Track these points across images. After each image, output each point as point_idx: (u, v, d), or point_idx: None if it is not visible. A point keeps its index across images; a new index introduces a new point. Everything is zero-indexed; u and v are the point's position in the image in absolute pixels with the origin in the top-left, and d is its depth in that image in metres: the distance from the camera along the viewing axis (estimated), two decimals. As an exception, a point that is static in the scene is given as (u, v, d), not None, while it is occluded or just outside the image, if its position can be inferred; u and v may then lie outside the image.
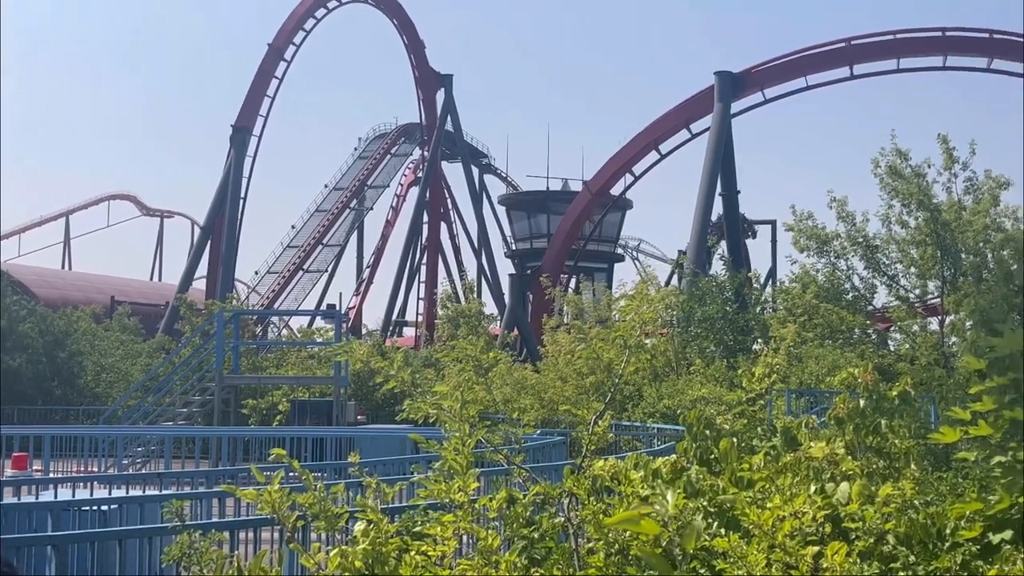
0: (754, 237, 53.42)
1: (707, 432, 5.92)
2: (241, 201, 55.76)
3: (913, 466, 5.40)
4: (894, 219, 29.83)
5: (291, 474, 5.08)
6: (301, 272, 69.30)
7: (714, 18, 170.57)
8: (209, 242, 56.24)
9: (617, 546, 4.54)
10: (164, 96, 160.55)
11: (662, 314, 30.19)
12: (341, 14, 63.33)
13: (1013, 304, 26.66)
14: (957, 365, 25.94)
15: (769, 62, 48.89)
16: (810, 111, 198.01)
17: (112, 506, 9.18)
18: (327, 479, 12.16)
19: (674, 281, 47.55)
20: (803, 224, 30.62)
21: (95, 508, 9.12)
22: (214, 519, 9.00)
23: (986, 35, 47.64)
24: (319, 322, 51.59)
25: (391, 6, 62.21)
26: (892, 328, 32.49)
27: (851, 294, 30.70)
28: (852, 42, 48.21)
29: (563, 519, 4.89)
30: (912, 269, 29.88)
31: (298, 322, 61.56)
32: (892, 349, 31.19)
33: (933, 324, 31.01)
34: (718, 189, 46.72)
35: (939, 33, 47.94)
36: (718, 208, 47.90)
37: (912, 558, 4.37)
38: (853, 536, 4.51)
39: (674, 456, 5.38)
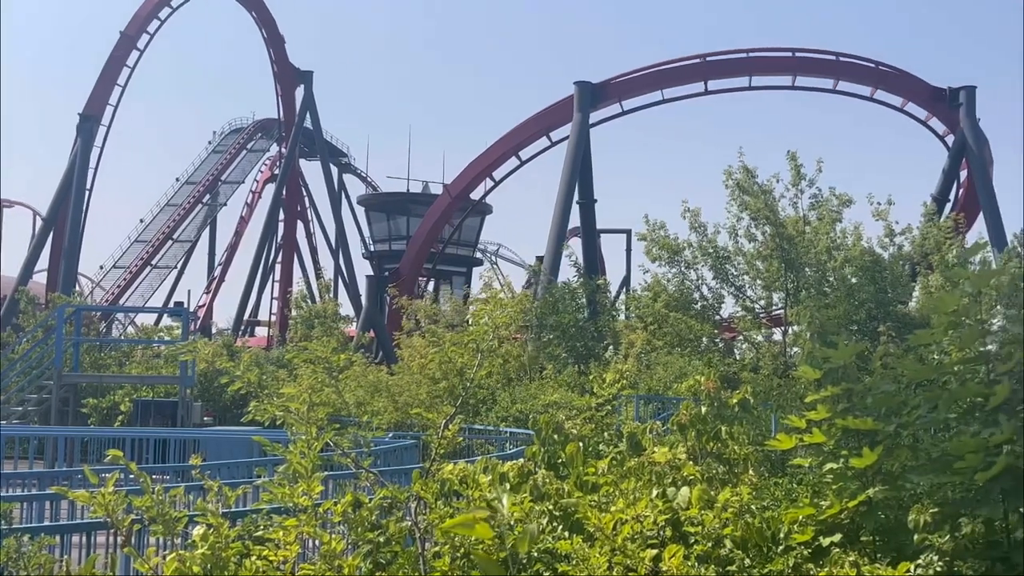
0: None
1: (556, 436, 5.99)
2: (87, 192, 53.79)
3: (751, 472, 5.57)
4: (742, 232, 30.75)
5: (131, 476, 4.92)
6: (149, 268, 67.29)
7: (576, 28, 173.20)
8: (52, 234, 54.09)
9: (463, 550, 4.55)
10: (6, 80, 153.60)
11: (516, 319, 30.41)
12: (199, 5, 61.90)
13: (854, 319, 27.83)
14: (795, 375, 26.94)
15: (627, 74, 49.87)
16: (667, 123, 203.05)
17: (-65, 509, 8.70)
18: (169, 482, 11.81)
19: (532, 289, 48.02)
20: (655, 234, 31.27)
21: (-84, 511, 8.63)
22: (47, 522, 8.64)
23: (833, 57, 49.71)
24: (166, 320, 50.24)
25: (251, -1, 61.03)
26: (737, 337, 33.51)
27: (700, 303, 31.50)
28: (707, 59, 49.64)
29: (410, 523, 4.87)
30: (758, 281, 30.85)
31: (144, 319, 59.73)
32: (738, 358, 32.12)
33: (777, 335, 32.09)
34: (576, 197, 47.39)
35: (789, 54, 49.81)
36: (576, 216, 48.59)
37: (747, 561, 4.51)
38: (692, 540, 4.63)
39: (521, 460, 5.42)
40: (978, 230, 45.44)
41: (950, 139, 49.41)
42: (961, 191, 49.63)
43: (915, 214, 41.22)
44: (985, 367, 4.37)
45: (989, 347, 4.60)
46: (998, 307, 4.73)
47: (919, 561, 4.19)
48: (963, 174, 49.31)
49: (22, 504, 8.63)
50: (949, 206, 47.35)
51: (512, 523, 4.13)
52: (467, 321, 34.51)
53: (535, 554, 4.19)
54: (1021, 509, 4.11)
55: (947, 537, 4.23)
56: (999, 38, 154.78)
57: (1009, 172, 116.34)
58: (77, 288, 49.90)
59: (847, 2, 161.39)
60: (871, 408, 4.58)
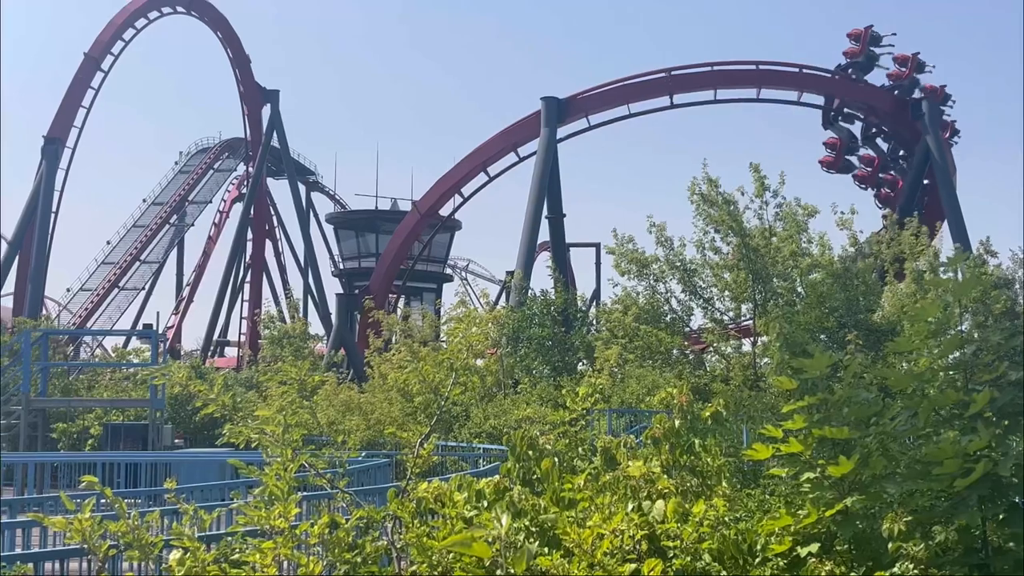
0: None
1: (530, 452, 5.99)
2: (52, 215, 53.36)
3: (724, 484, 5.60)
4: (708, 245, 30.91)
5: (104, 502, 4.89)
6: (116, 290, 66.76)
7: (543, 44, 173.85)
8: (17, 257, 53.57)
9: (441, 568, 4.54)
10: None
11: (491, 334, 30.39)
12: (163, 25, 61.72)
13: (824, 327, 28.01)
14: (765, 386, 27.07)
15: (593, 89, 50.12)
16: (634, 136, 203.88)
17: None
18: (142, 507, 11.71)
19: (502, 301, 48.08)
20: (624, 248, 31.39)
21: None
22: (18, 551, 8.53)
23: (796, 70, 50.23)
24: (135, 342, 49.84)
25: (216, 19, 60.83)
26: (707, 349, 33.63)
27: (669, 316, 31.63)
28: (672, 73, 49.96)
29: (386, 542, 4.87)
30: (726, 293, 31.00)
31: (112, 341, 59.21)
32: (708, 370, 32.23)
33: (746, 346, 32.25)
34: (545, 211, 47.51)
35: (753, 67, 50.24)
36: (545, 230, 48.71)
37: (724, 573, 4.53)
38: (671, 554, 4.64)
39: (497, 477, 5.42)
40: (942, 237, 45.98)
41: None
42: (926, 199, 50.20)
43: (880, 223, 41.64)
44: (963, 374, 4.43)
45: (957, 354, 4.66)
46: (965, 314, 4.79)
47: (895, 570, 4.23)
48: (927, 182, 49.87)
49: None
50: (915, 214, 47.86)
51: (497, 541, 4.13)
52: (437, 337, 34.48)
53: (519, 573, 4.19)
54: (1000, 516, 4.16)
55: (921, 545, 4.27)
56: (961, 45, 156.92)
57: (972, 179, 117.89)
58: (44, 312, 49.48)
59: (808, 15, 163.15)
60: (846, 417, 4.62)
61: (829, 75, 50.17)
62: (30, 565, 6.66)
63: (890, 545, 4.34)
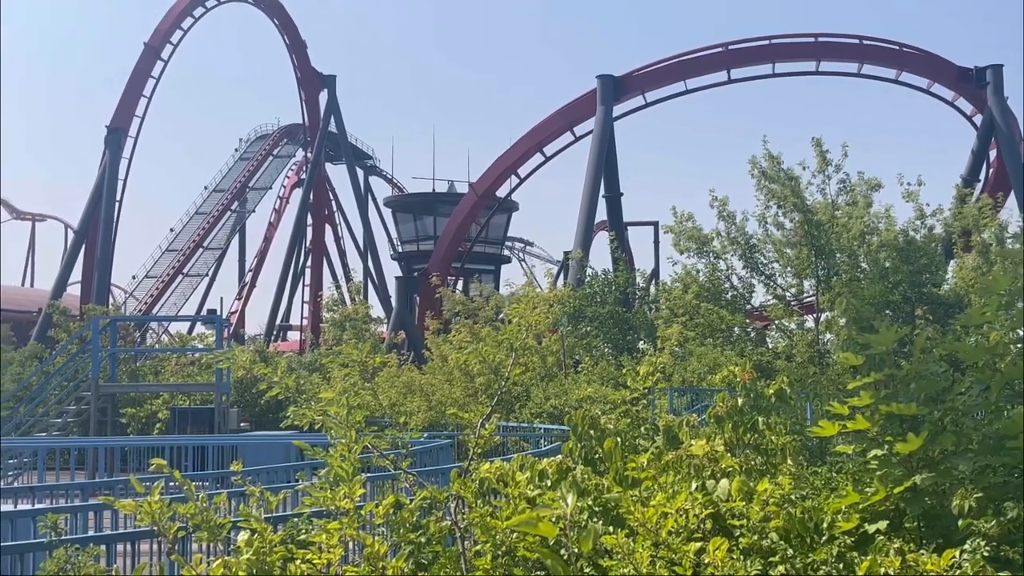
0: None
1: (592, 432, 5.98)
2: (117, 204, 54.30)
3: (789, 461, 5.54)
4: (770, 220, 30.60)
5: (172, 484, 4.97)
6: (180, 276, 67.84)
7: (597, 21, 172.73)
8: (84, 246, 54.64)
9: (505, 548, 4.55)
10: (34, 95, 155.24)
11: (552, 313, 30.34)
12: (220, 13, 62.19)
13: (888, 302, 27.64)
14: (830, 362, 26.77)
15: (650, 66, 49.69)
16: (691, 113, 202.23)
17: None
18: (209, 489, 11.90)
19: (560, 281, 48.05)
20: (682, 226, 31.18)
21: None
22: (91, 533, 8.73)
23: (856, 41, 49.33)
24: (199, 328, 50.63)
25: (272, 5, 61.30)
26: (769, 326, 33.34)
27: (730, 293, 31.38)
28: (729, 47, 49.38)
29: (450, 523, 4.89)
30: (788, 268, 30.69)
31: (177, 327, 60.20)
32: (770, 347, 31.96)
33: (809, 322, 31.91)
34: (602, 191, 47.29)
35: (812, 39, 49.43)
36: (603, 209, 48.49)
37: (790, 551, 4.48)
38: (737, 532, 4.61)
39: (560, 457, 5.41)
40: (1009, 208, 45.03)
41: (978, 119, 48.91)
42: (991, 171, 49.14)
43: (945, 196, 40.98)
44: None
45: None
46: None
47: (965, 547, 4.16)
48: (992, 153, 48.80)
49: (67, 516, 8.73)
50: (979, 186, 46.92)
51: (562, 520, 4.14)
52: (497, 315, 34.53)
53: (586, 552, 4.19)
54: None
55: (993, 522, 4.20)
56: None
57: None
58: (111, 299, 50.41)
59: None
60: (914, 393, 4.54)
61: (892, 46, 49.20)
62: (103, 547, 6.81)
63: (960, 522, 4.27)
